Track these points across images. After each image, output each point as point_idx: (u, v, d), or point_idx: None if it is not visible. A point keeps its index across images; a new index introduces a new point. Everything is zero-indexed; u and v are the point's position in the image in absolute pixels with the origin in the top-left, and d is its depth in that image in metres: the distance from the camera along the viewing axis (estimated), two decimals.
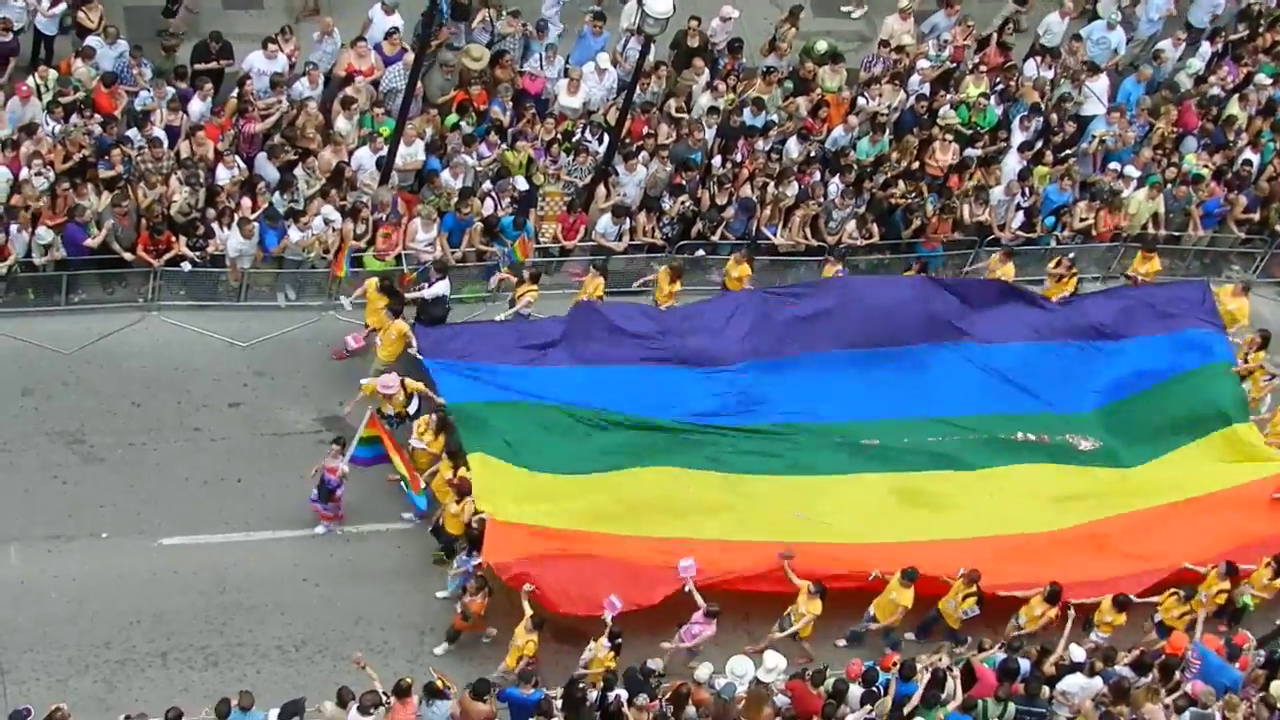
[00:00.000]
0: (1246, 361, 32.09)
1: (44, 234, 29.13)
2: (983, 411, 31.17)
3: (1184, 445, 31.21)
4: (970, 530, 29.38)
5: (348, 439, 27.74)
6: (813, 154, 33.52)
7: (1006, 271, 32.54)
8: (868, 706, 26.13)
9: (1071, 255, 33.07)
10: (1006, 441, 30.88)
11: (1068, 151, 34.98)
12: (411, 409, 28.54)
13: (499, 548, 26.62)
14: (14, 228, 28.98)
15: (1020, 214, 34.09)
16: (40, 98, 30.34)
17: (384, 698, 24.66)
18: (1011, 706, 26.66)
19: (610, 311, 30.55)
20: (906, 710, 26.23)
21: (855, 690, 26.27)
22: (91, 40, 31.13)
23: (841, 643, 28.15)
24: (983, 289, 32.38)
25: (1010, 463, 30.60)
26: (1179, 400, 31.58)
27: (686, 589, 26.88)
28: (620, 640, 25.95)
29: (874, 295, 31.77)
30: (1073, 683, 27.28)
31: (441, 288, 30.00)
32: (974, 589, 27.68)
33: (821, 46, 35.38)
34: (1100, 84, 35.72)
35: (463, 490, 27.12)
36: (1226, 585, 28.61)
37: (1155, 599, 28.51)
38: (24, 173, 29.32)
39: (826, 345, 30.94)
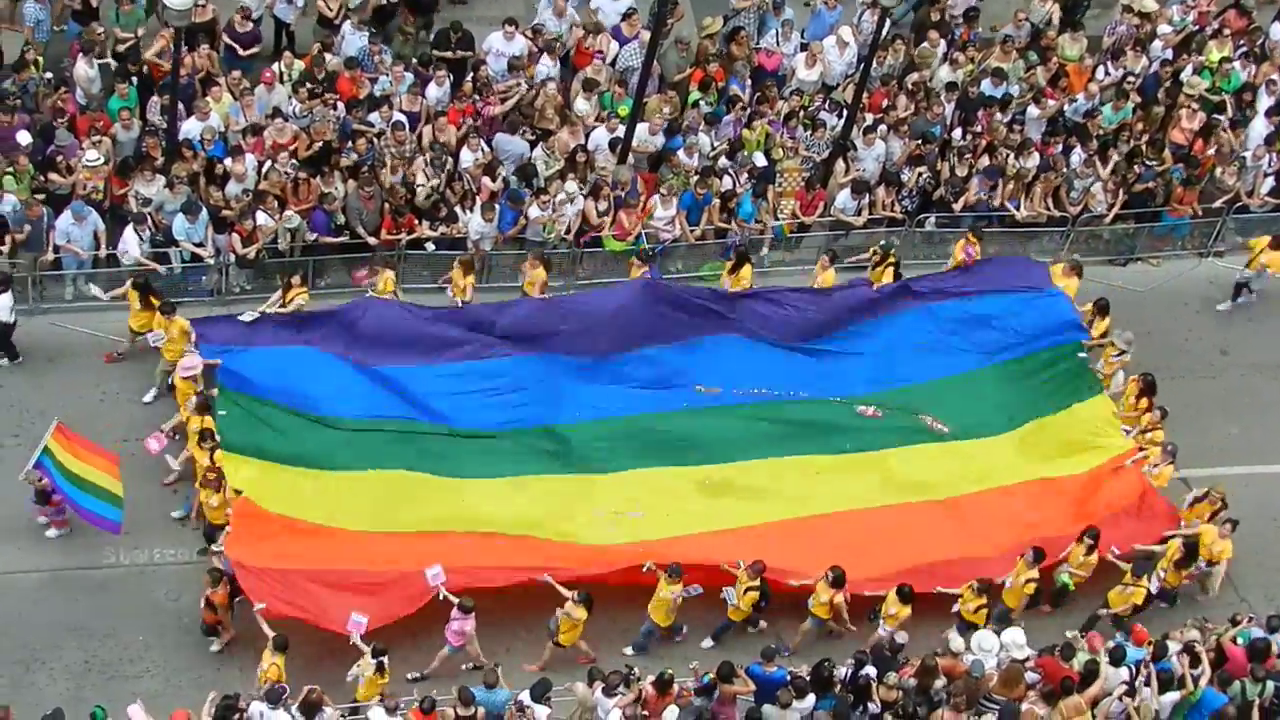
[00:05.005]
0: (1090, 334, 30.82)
1: (291, 217, 29.62)
2: (828, 394, 30.04)
3: (1033, 421, 29.94)
4: (777, 515, 28.26)
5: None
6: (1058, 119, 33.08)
7: (827, 279, 30.99)
8: (1123, 682, 25.80)
9: (884, 243, 31.54)
10: (840, 422, 29.67)
11: None
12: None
13: (244, 546, 25.87)
14: (261, 215, 29.51)
15: (1269, 180, 33.33)
16: (284, 84, 30.91)
17: (628, 680, 24.80)
18: (1270, 685, 26.22)
19: (396, 309, 29.42)
20: (1166, 694, 25.88)
21: (1110, 668, 25.92)
22: (346, 26, 31.71)
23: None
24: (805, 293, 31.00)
25: (839, 449, 29.30)
26: (1028, 378, 30.42)
27: (441, 596, 25.67)
28: (386, 657, 24.83)
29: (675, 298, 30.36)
30: None
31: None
32: (758, 581, 26.44)
33: None
34: None
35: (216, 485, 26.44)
36: (1035, 574, 27.13)
37: (956, 591, 27.03)
38: (268, 163, 29.92)
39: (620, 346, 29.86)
